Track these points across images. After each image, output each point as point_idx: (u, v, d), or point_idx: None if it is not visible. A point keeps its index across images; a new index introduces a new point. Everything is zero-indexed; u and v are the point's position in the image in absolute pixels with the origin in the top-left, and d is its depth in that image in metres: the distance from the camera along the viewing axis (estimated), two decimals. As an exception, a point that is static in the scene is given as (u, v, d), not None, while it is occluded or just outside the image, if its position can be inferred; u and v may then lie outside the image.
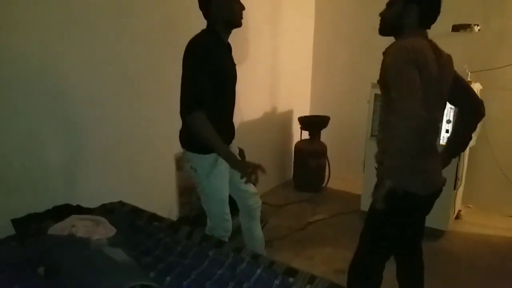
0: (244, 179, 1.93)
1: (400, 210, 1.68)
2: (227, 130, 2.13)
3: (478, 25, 3.34)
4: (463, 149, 2.02)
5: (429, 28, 1.71)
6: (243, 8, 1.99)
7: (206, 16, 1.99)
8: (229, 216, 2.17)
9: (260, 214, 2.39)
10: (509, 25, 3.27)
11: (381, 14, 1.75)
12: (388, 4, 1.74)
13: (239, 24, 2.00)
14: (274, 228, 3.22)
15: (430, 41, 1.71)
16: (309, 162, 4.03)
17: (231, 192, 2.27)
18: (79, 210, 1.96)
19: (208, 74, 1.87)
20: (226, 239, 2.15)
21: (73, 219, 1.76)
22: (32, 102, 2.09)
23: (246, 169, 1.92)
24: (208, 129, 1.86)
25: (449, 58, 1.75)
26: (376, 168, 1.80)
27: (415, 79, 1.51)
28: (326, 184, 4.15)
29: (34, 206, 1.92)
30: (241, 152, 2.80)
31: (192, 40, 1.93)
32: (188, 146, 2.06)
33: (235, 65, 2.13)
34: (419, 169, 1.66)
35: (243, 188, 2.23)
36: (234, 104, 2.16)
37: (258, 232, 2.39)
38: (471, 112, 1.85)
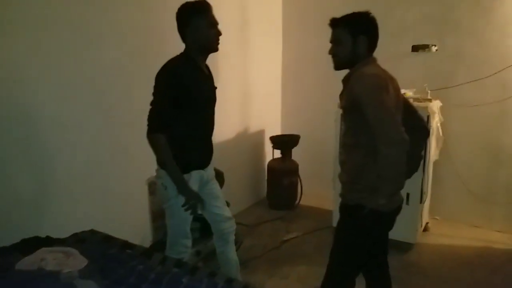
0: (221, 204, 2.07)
1: (369, 226, 1.75)
2: (201, 152, 2.18)
3: (435, 45, 3.54)
4: (417, 169, 2.04)
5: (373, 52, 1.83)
6: (219, 34, 2.05)
7: (183, 40, 2.05)
8: (189, 234, 2.24)
9: (234, 238, 2.41)
10: (463, 45, 3.48)
11: (330, 53, 1.82)
12: (335, 42, 1.80)
13: (215, 50, 2.07)
14: (249, 248, 3.23)
15: (383, 69, 1.81)
16: (282, 180, 4.09)
17: (206, 216, 2.32)
18: (49, 241, 1.91)
19: (174, 98, 1.96)
20: (185, 256, 2.21)
21: (43, 252, 1.72)
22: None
23: (190, 198, 2.02)
24: (164, 151, 1.98)
25: (397, 82, 1.85)
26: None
27: (390, 104, 1.61)
28: (299, 201, 4.21)
29: (2, 240, 1.86)
30: (220, 175, 2.82)
31: (165, 64, 2.00)
32: (163, 164, 2.10)
33: (214, 88, 2.18)
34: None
35: (217, 212, 2.28)
36: (211, 127, 2.22)
37: (233, 255, 2.40)
38: (419, 131, 1.95)
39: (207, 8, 2.02)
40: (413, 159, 1.89)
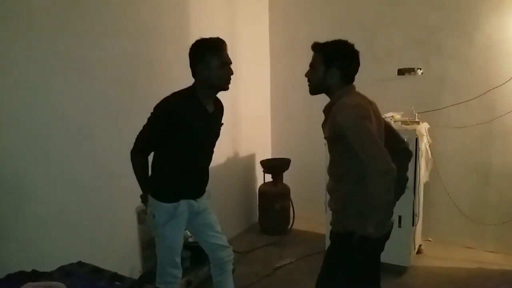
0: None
1: (359, 253, 1.74)
2: (191, 183, 2.16)
3: (420, 69, 3.62)
4: (403, 191, 2.05)
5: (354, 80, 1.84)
6: (231, 73, 2.03)
7: (193, 75, 2.04)
8: (178, 264, 2.21)
9: (232, 267, 2.38)
10: (447, 69, 3.56)
11: (306, 76, 1.86)
12: (310, 66, 1.84)
13: (225, 89, 2.06)
14: (241, 276, 3.17)
15: (362, 95, 1.84)
16: (274, 205, 4.05)
17: (202, 245, 2.31)
18: (34, 275, 1.85)
19: (162, 131, 1.99)
20: (174, 286, 2.21)
21: (28, 287, 1.66)
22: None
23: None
24: (140, 173, 2.10)
25: (376, 106, 1.88)
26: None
27: (375, 132, 1.62)
28: (292, 225, 4.17)
29: (-16, 275, 1.81)
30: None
31: (166, 97, 2.02)
32: (152, 192, 2.12)
33: (219, 125, 2.18)
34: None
35: (214, 241, 2.27)
36: (207, 160, 2.21)
37: (229, 285, 2.38)
38: (402, 153, 1.96)
39: (222, 46, 2.00)
40: (399, 181, 1.89)
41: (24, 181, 2.22)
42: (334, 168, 1.82)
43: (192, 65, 2.02)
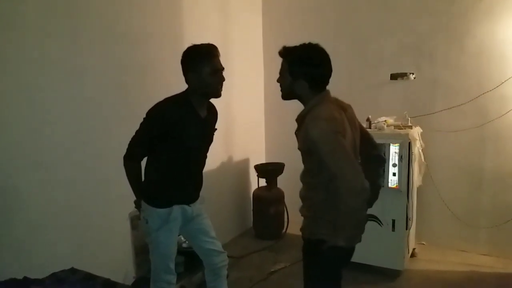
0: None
1: (330, 261, 1.73)
2: (184, 188, 2.15)
3: (413, 73, 3.65)
4: (377, 197, 1.98)
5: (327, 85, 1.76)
6: (222, 80, 2.01)
7: (186, 82, 2.03)
8: (172, 270, 2.20)
9: (226, 272, 2.37)
10: (439, 73, 3.59)
11: (277, 81, 1.81)
12: (280, 73, 1.78)
13: (216, 96, 2.05)
14: (236, 281, 3.16)
15: (335, 100, 1.78)
16: (268, 209, 4.05)
17: (196, 250, 2.31)
18: (26, 283, 1.84)
19: (158, 136, 1.98)
20: None
21: (19, 294, 1.65)
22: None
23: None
24: (133, 179, 2.10)
25: (351, 110, 1.83)
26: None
27: (347, 148, 1.59)
28: (286, 230, 4.17)
29: (-25, 283, 1.79)
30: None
31: (159, 102, 2.01)
32: (145, 197, 2.12)
33: (212, 131, 2.17)
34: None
35: (208, 247, 2.27)
36: (200, 165, 2.20)
37: None
38: (375, 160, 1.95)
39: (213, 53, 1.97)
40: (372, 189, 1.80)
41: (16, 186, 2.20)
42: (307, 178, 1.79)
43: (184, 73, 2.01)
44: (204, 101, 2.07)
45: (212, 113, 2.18)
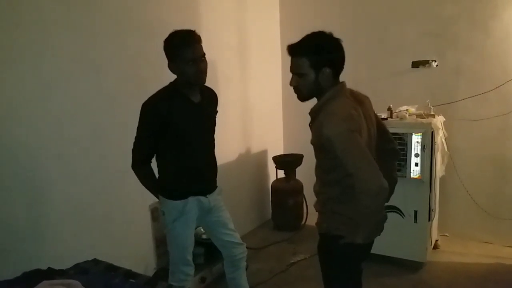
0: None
1: (346, 257, 1.71)
2: (196, 179, 2.13)
3: (435, 61, 3.54)
4: (392, 192, 1.88)
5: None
6: (200, 69, 1.93)
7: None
8: (190, 262, 2.21)
9: (245, 263, 2.37)
10: (463, 60, 3.48)
11: (292, 84, 1.70)
12: (294, 73, 1.68)
13: (198, 84, 2.01)
14: (255, 273, 3.17)
15: (351, 92, 1.72)
16: (287, 201, 4.03)
17: (215, 242, 2.31)
18: (50, 273, 1.87)
19: (157, 131, 1.98)
20: (187, 284, 2.21)
21: (44, 285, 1.67)
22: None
23: None
24: (147, 183, 2.14)
25: (368, 102, 1.77)
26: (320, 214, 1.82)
27: (364, 146, 1.53)
28: (305, 221, 4.14)
29: (2, 273, 1.82)
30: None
31: (150, 97, 2.00)
32: (161, 190, 2.14)
33: (210, 115, 2.13)
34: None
35: (227, 239, 2.26)
36: (209, 153, 2.18)
37: (243, 282, 2.37)
38: (390, 154, 1.89)
39: (187, 42, 1.90)
40: (388, 183, 1.76)
41: (38, 179, 2.25)
42: (320, 174, 1.74)
43: (168, 62, 1.98)
44: (192, 87, 2.03)
45: (207, 96, 2.13)
